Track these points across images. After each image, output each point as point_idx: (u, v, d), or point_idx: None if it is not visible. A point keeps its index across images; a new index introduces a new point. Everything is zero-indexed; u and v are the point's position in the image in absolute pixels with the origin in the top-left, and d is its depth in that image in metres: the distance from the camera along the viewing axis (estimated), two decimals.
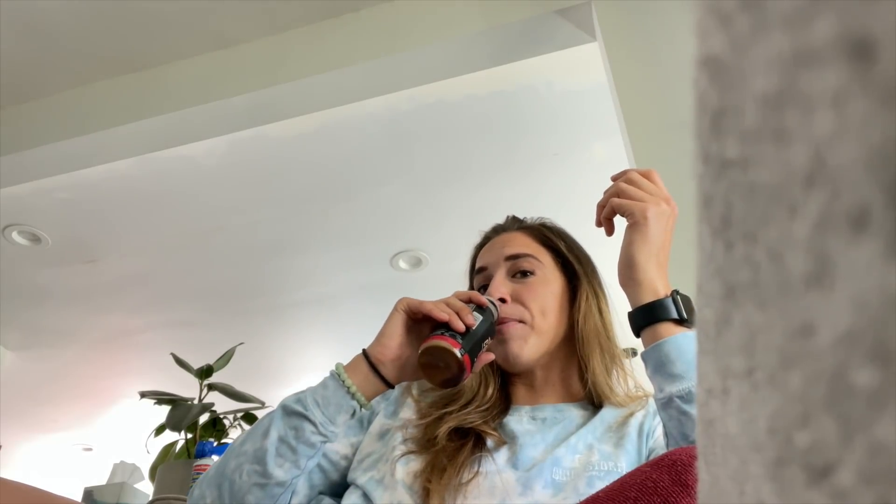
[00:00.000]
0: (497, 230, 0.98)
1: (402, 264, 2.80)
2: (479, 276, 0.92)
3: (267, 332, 3.19)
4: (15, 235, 2.55)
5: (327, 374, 0.78)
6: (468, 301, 0.80)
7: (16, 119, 2.16)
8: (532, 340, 0.85)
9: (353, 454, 0.84)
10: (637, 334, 0.76)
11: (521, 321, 0.85)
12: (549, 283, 0.89)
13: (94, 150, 2.11)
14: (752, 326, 0.13)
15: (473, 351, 0.75)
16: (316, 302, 3.01)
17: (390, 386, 0.79)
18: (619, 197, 0.79)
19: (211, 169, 2.32)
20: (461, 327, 0.75)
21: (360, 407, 0.77)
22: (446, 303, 0.78)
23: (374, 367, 0.77)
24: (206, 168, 2.31)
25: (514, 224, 0.98)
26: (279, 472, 0.73)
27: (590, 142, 2.26)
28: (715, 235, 0.15)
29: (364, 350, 0.80)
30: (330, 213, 2.53)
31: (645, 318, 0.74)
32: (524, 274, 0.89)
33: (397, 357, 0.78)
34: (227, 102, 1.96)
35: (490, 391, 0.86)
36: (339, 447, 0.84)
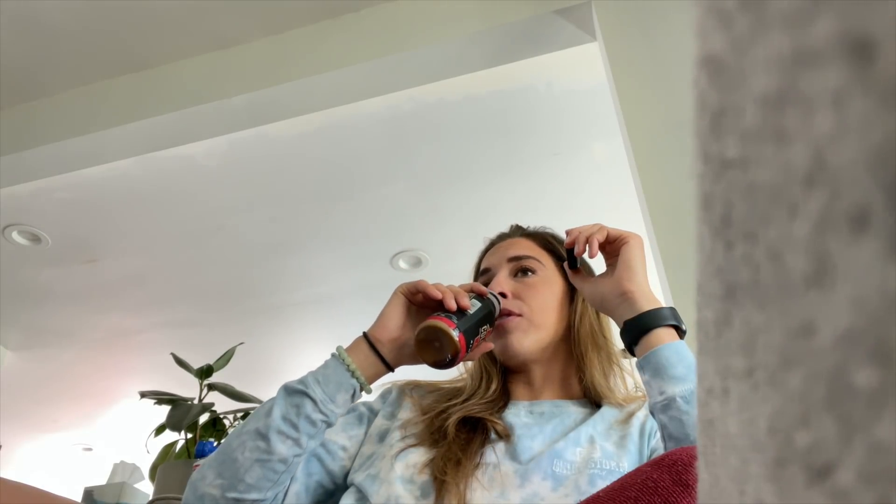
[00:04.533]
0: (502, 237, 1.02)
1: (402, 264, 2.80)
2: (483, 277, 0.96)
3: (267, 332, 3.19)
4: (15, 235, 2.55)
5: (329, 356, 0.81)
6: (469, 291, 0.85)
7: (16, 119, 2.16)
8: (531, 334, 0.88)
9: (353, 449, 0.85)
10: (630, 346, 0.77)
11: (519, 314, 0.88)
12: (549, 283, 0.92)
13: (94, 150, 2.11)
14: (752, 326, 0.13)
15: (469, 333, 0.78)
16: (316, 302, 3.01)
17: (390, 368, 0.82)
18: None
19: (211, 169, 2.32)
20: (453, 306, 0.79)
21: (361, 388, 0.79)
22: (446, 287, 0.82)
23: (373, 347, 0.80)
24: (206, 168, 2.31)
25: (518, 231, 1.02)
26: (282, 447, 0.74)
27: (590, 142, 2.26)
28: (715, 235, 0.15)
29: (364, 332, 0.83)
30: (330, 213, 2.53)
31: (644, 324, 0.75)
32: (525, 273, 0.92)
33: (396, 338, 0.81)
34: (227, 102, 1.96)
35: (493, 386, 0.89)
36: (337, 438, 0.85)
